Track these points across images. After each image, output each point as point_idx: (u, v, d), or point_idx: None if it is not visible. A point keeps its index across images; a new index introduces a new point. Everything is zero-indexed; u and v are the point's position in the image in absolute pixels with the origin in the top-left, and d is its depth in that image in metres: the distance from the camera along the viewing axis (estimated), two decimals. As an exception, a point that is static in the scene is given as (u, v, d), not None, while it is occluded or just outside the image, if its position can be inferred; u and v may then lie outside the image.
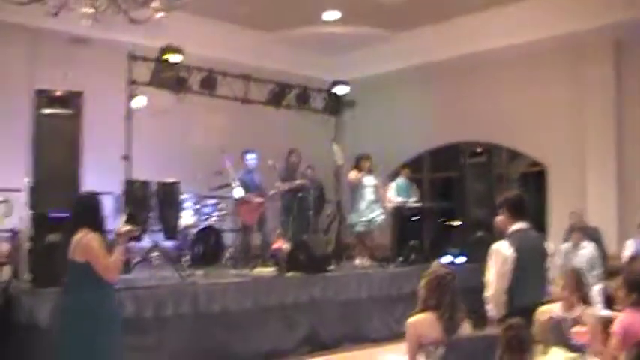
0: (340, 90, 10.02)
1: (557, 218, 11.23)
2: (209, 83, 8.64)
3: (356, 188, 10.11)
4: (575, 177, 11.20)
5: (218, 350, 7.44)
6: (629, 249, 9.01)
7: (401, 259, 10.38)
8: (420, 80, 13.08)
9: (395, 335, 9.23)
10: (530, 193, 12.86)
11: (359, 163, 10.12)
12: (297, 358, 7.95)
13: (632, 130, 10.83)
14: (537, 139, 11.83)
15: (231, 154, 9.43)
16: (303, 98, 9.80)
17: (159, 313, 7.06)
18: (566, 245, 9.11)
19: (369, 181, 10.15)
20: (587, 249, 8.93)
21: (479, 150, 11.42)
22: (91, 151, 7.17)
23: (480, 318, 4.80)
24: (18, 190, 8.19)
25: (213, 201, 10.14)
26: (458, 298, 4.48)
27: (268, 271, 8.80)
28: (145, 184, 8.74)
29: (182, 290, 7.36)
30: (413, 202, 11.35)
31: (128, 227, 5.03)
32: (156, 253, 8.24)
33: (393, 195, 10.95)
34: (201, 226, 9.95)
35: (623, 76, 10.97)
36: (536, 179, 12.34)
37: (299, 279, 8.43)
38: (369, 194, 10.14)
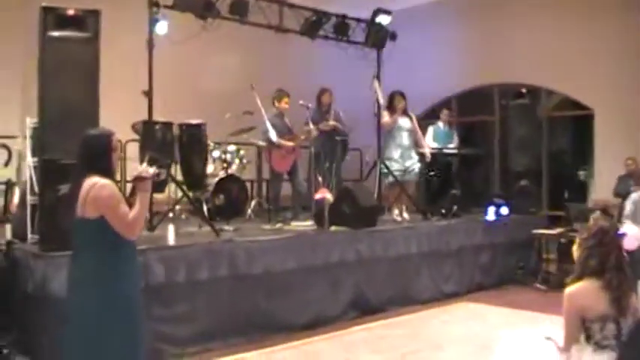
0: (383, 20, 8.77)
1: (606, 165, 10.33)
2: (240, 8, 7.39)
3: (390, 132, 8.93)
4: (626, 121, 10.18)
5: (259, 318, 6.46)
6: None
7: (443, 211, 9.39)
8: (459, 14, 11.91)
9: (444, 296, 8.38)
10: (575, 139, 11.91)
11: (392, 102, 8.92)
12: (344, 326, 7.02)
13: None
14: (584, 81, 10.71)
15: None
16: (342, 29, 8.57)
17: (192, 276, 6.00)
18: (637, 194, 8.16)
19: (405, 123, 8.97)
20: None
21: (522, 91, 10.33)
22: (105, 86, 5.88)
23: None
24: (13, 137, 7.06)
25: (233, 147, 9.01)
26: (624, 259, 3.47)
27: (306, 225, 7.75)
28: (166, 126, 7.55)
29: (218, 250, 6.28)
30: (451, 148, 10.30)
31: (152, 169, 3.76)
32: (180, 207, 7.06)
33: (430, 140, 9.88)
34: (223, 175, 8.84)
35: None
36: (582, 124, 11.29)
37: (345, 234, 7.44)
38: (404, 139, 8.92)
